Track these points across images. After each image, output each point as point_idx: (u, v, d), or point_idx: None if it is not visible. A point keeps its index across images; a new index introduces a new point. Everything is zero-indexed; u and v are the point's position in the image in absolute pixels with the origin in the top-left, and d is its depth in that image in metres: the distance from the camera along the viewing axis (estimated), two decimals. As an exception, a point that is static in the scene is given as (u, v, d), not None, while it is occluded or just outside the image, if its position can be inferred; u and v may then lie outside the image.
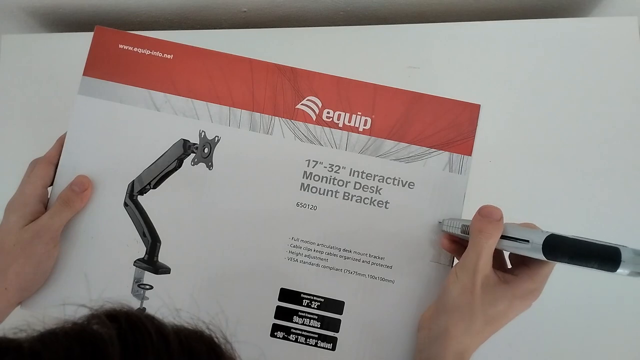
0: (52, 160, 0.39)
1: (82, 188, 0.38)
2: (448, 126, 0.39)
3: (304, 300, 0.38)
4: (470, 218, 0.34)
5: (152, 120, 0.39)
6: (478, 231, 0.33)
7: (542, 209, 0.48)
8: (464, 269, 0.34)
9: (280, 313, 0.38)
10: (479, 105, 0.40)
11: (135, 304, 0.38)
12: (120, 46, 0.40)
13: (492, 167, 0.47)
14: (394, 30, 0.53)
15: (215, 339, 0.23)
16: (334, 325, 0.38)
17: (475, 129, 0.39)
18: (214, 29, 0.55)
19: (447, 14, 0.57)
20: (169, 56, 0.40)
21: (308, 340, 0.38)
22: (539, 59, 0.52)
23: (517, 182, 0.49)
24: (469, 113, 0.40)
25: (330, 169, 0.39)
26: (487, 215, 0.33)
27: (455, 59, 0.52)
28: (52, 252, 0.37)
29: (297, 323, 0.38)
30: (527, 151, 0.50)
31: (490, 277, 0.34)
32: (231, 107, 0.40)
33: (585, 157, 0.49)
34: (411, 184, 0.39)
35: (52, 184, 0.39)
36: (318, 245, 0.39)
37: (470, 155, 0.39)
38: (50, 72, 0.54)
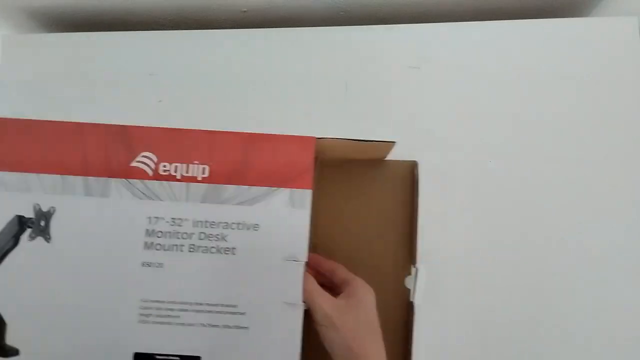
0: None
1: None
2: (286, 162, 0.39)
3: (159, 362, 0.37)
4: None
5: (-19, 201, 0.38)
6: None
7: (542, 208, 0.48)
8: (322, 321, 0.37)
9: (137, 379, 0.37)
10: (314, 138, 0.40)
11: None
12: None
13: (492, 167, 0.47)
14: (394, 30, 0.54)
15: None
16: (193, 382, 0.37)
17: (312, 161, 0.39)
18: (214, 29, 0.54)
19: (447, 14, 0.58)
20: (-11, 132, 0.39)
21: (168, 402, 0.37)
22: (539, 59, 0.52)
23: (517, 182, 0.49)
24: (304, 146, 0.40)
25: (172, 223, 0.39)
26: None
27: (455, 59, 0.52)
28: None
29: (155, 386, 0.37)
30: (527, 151, 0.50)
31: (337, 307, 0.38)
32: (63, 175, 0.39)
33: (585, 157, 0.49)
34: (256, 226, 0.39)
35: None
36: (169, 302, 0.38)
37: (311, 188, 0.39)
38: (50, 72, 0.53)
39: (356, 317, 0.37)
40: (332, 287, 0.39)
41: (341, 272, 0.41)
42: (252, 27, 0.54)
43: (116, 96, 0.52)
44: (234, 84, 0.52)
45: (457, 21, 0.54)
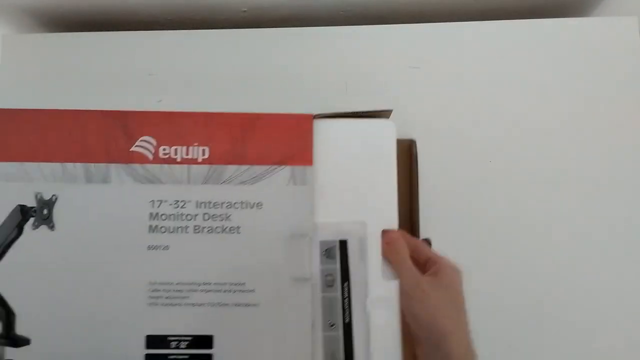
0: None
1: None
2: (285, 141, 0.40)
3: (172, 343, 0.37)
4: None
5: (-19, 193, 0.38)
6: (392, 253, 0.38)
7: (542, 208, 0.49)
8: (407, 289, 0.37)
9: (150, 360, 0.37)
10: (312, 115, 0.40)
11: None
12: None
13: (492, 167, 0.47)
14: (394, 30, 0.53)
15: None
16: (206, 361, 0.37)
17: (312, 138, 0.40)
18: (214, 29, 0.54)
19: (447, 14, 0.58)
20: (-14, 123, 0.39)
21: (182, 381, 0.37)
22: (539, 59, 0.52)
23: (517, 182, 0.49)
24: (302, 123, 0.40)
25: (176, 206, 0.39)
26: (390, 241, 0.38)
27: (455, 59, 0.52)
28: None
29: (168, 367, 0.37)
30: (527, 151, 0.50)
31: (421, 281, 0.37)
32: (63, 163, 0.39)
33: (585, 157, 0.50)
34: (259, 204, 0.39)
35: None
36: (177, 284, 0.38)
37: (312, 164, 0.40)
38: (50, 72, 0.52)
39: (444, 295, 0.36)
40: (415, 264, 0.38)
41: (426, 250, 0.40)
42: (252, 27, 0.53)
43: (116, 96, 0.52)
44: (234, 84, 0.52)
45: (457, 21, 0.53)
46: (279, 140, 0.40)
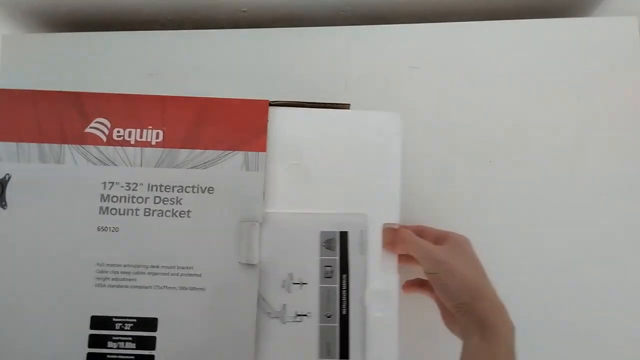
0: None
1: None
2: (240, 126, 0.40)
3: (116, 324, 0.37)
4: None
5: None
6: (402, 240, 0.39)
7: (542, 208, 0.48)
8: (432, 262, 0.38)
9: (94, 341, 0.37)
10: (267, 101, 0.40)
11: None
12: None
13: (492, 167, 0.47)
14: (394, 30, 0.53)
15: None
16: (150, 343, 0.37)
17: (266, 124, 0.40)
18: (214, 29, 0.54)
19: (447, 14, 0.57)
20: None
21: (125, 363, 0.37)
22: (539, 59, 0.52)
23: (517, 182, 0.49)
24: (257, 110, 0.40)
25: (127, 188, 0.39)
26: (392, 233, 0.39)
27: (455, 59, 0.52)
28: None
29: (112, 348, 0.37)
30: (527, 151, 0.50)
31: (440, 249, 0.39)
32: (18, 142, 0.39)
33: (585, 156, 0.49)
34: (210, 189, 0.39)
35: None
36: (125, 266, 0.38)
37: (265, 151, 0.39)
38: (50, 72, 0.53)
39: (466, 261, 0.38)
40: None
41: (430, 230, 0.41)
42: (252, 27, 0.54)
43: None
44: (234, 84, 0.52)
45: (457, 21, 0.53)
46: (233, 126, 0.40)
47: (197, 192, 0.39)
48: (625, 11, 0.53)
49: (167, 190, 0.39)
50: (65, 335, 0.37)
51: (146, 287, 0.38)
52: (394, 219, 0.39)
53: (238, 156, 0.39)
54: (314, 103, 0.41)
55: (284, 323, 0.38)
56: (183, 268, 0.38)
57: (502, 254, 0.46)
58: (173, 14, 0.57)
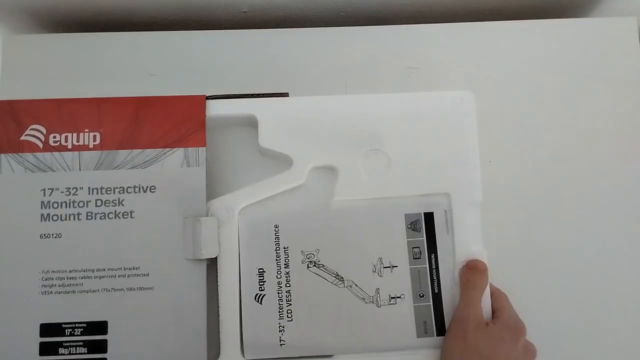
0: None
1: None
2: (178, 123, 0.39)
3: (66, 330, 0.37)
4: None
5: None
6: (466, 281, 0.38)
7: (542, 209, 0.48)
8: (455, 319, 0.38)
9: (45, 349, 0.37)
10: (204, 96, 0.40)
11: None
12: None
13: (492, 167, 0.47)
14: (394, 30, 0.53)
15: None
16: (100, 346, 0.37)
17: (204, 119, 0.40)
18: (214, 29, 0.54)
19: (447, 14, 0.57)
20: None
21: (77, 367, 0.37)
22: (539, 59, 0.51)
23: (517, 182, 0.49)
24: (195, 105, 0.40)
25: (68, 193, 0.39)
26: (473, 267, 0.38)
27: (455, 59, 0.52)
28: None
29: (63, 354, 0.37)
30: (527, 151, 0.50)
31: (480, 323, 0.37)
32: (-48, 155, 0.38)
33: (585, 157, 0.49)
34: (152, 187, 0.39)
35: None
36: (70, 272, 0.38)
37: (205, 146, 0.39)
38: (50, 72, 0.52)
39: (494, 345, 0.37)
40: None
41: (502, 300, 0.40)
42: (252, 27, 0.53)
43: (116, 96, 0.52)
44: (234, 84, 0.51)
45: (457, 21, 0.53)
46: (171, 123, 0.39)
47: (139, 191, 0.39)
48: (625, 11, 0.54)
49: (108, 192, 0.39)
50: (15, 344, 0.37)
51: (94, 291, 0.38)
52: (476, 196, 0.40)
53: (178, 153, 0.39)
54: (252, 94, 0.41)
55: (379, 307, 0.39)
56: (130, 269, 0.38)
57: (503, 254, 0.46)
58: (173, 14, 0.56)
